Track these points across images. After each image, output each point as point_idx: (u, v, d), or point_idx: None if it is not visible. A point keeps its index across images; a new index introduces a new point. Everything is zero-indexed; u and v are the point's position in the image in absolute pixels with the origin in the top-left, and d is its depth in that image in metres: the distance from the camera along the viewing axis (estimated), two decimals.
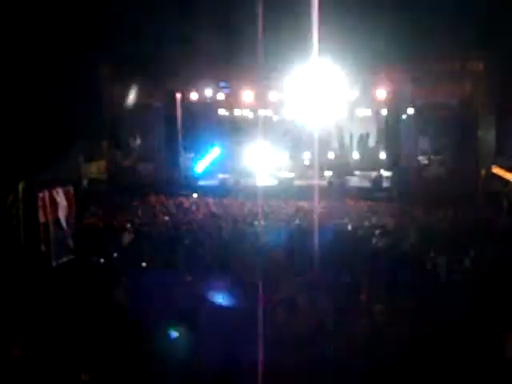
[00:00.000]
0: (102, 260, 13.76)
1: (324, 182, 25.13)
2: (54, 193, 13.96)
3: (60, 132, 20.83)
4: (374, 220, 16.99)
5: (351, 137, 29.16)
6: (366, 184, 24.73)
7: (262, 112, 27.92)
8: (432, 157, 24.79)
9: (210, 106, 27.76)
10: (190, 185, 24.88)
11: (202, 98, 25.95)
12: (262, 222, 16.01)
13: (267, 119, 29.14)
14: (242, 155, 28.88)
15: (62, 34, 21.52)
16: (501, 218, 17.17)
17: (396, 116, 23.74)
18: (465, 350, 8.85)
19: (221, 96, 26.13)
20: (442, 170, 22.89)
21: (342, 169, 26.71)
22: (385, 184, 24.15)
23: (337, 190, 23.14)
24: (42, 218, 13.42)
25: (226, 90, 26.14)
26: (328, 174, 26.73)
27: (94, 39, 22.55)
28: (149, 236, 15.48)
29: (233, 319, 9.56)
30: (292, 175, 26.49)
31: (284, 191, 23.00)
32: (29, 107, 20.06)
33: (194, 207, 20.07)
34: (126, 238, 15.35)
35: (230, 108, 28.81)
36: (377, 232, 14.82)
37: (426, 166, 23.19)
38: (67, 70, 22.03)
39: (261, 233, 14.79)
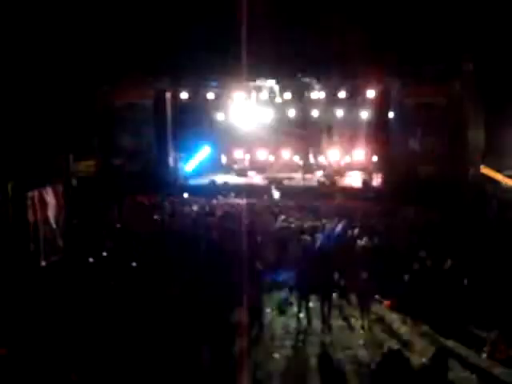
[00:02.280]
0: (91, 259, 13.72)
1: (314, 183, 25.26)
2: (44, 192, 13.93)
3: (50, 131, 20.74)
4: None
5: (341, 137, 29.16)
6: (356, 185, 24.78)
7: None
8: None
9: (200, 106, 27.69)
10: (179, 184, 24.83)
11: (192, 97, 25.89)
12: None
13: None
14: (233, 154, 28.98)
15: (54, 35, 21.47)
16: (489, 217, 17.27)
17: (385, 116, 23.80)
18: None
19: (211, 95, 26.05)
20: (431, 170, 22.92)
21: (332, 169, 26.79)
22: (374, 184, 24.21)
23: (327, 190, 23.23)
24: (31, 217, 13.39)
25: (216, 90, 26.09)
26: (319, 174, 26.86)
27: (86, 40, 22.49)
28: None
29: None
30: (281, 175, 26.58)
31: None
32: (18, 106, 19.96)
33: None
34: None
35: None
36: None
37: (414, 166, 23.15)
38: (58, 71, 21.97)
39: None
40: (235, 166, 28.19)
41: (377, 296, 12.45)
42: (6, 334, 9.50)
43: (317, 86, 24.65)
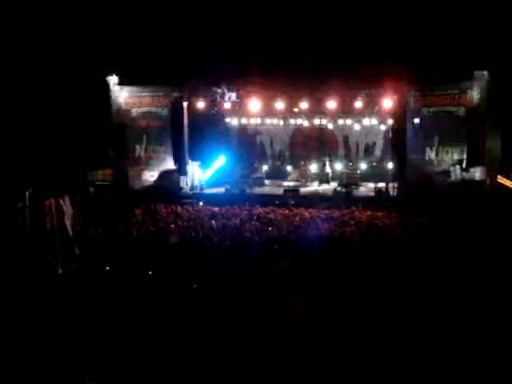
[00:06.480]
0: (107, 267, 13.79)
1: (330, 192, 25.24)
2: (61, 200, 14.07)
3: (67, 140, 20.94)
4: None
5: (357, 147, 29.18)
6: (372, 194, 24.70)
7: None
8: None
9: (217, 115, 27.79)
10: (195, 193, 24.91)
11: (209, 107, 25.99)
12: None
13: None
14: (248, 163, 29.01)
15: (70, 41, 21.68)
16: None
17: (402, 126, 23.70)
18: None
19: (227, 104, 26.14)
20: (448, 180, 22.78)
21: (348, 178, 26.72)
22: (391, 194, 24.09)
23: (342, 200, 23.14)
24: (48, 225, 13.52)
25: (233, 99, 26.17)
26: (334, 183, 26.84)
27: (102, 47, 22.69)
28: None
29: None
30: (297, 184, 26.64)
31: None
32: (36, 116, 20.19)
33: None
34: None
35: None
36: None
37: (431, 175, 23.00)
38: (75, 79, 22.19)
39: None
40: (252, 175, 28.21)
41: None
42: (23, 341, 9.57)
43: (333, 96, 24.60)
